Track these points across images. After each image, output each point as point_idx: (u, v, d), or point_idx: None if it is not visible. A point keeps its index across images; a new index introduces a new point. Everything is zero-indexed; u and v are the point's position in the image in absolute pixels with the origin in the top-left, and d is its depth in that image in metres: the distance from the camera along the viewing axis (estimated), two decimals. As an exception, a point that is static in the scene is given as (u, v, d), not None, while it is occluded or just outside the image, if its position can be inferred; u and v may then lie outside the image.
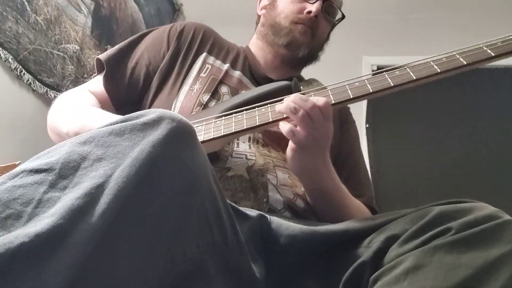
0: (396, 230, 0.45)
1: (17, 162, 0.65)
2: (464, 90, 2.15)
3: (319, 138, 0.59)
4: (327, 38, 0.89)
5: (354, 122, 0.91)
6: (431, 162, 2.16)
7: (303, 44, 0.81)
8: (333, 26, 0.88)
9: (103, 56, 0.79)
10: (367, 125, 2.00)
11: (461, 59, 0.56)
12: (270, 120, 0.61)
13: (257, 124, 0.61)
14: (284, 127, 0.59)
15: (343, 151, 0.82)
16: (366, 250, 0.47)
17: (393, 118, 2.23)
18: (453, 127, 2.21)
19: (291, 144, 0.61)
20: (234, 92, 0.77)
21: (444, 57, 0.58)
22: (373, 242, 0.47)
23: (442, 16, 2.15)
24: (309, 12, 0.79)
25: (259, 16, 0.89)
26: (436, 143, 2.19)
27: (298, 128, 0.58)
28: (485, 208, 0.43)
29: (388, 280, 0.41)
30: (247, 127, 0.62)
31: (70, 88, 0.86)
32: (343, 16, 0.86)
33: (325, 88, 0.64)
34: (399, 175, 2.06)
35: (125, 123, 0.38)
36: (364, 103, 2.08)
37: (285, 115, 0.60)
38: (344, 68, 1.74)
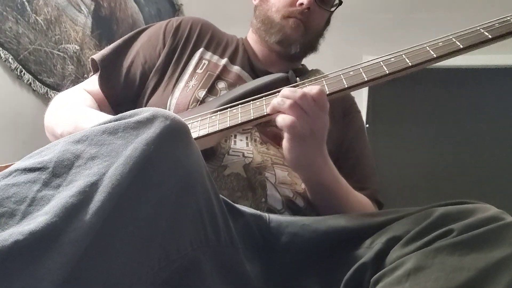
0: (398, 231, 0.45)
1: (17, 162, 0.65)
2: (464, 90, 2.15)
3: (315, 129, 0.57)
4: (327, 24, 0.86)
5: (359, 112, 0.88)
6: (431, 162, 2.15)
7: (295, 40, 0.79)
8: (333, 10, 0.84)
9: (97, 56, 0.79)
10: (367, 125, 1.99)
11: (458, 43, 0.54)
12: (265, 113, 0.59)
13: (252, 118, 0.60)
14: (278, 118, 0.57)
15: (346, 143, 0.80)
16: (368, 251, 0.46)
17: (393, 118, 2.23)
18: (453, 127, 2.20)
19: (286, 136, 0.59)
20: (232, 87, 0.75)
21: (440, 42, 0.55)
22: (375, 243, 0.46)
23: (442, 16, 2.15)
24: (301, 4, 0.76)
25: (255, 6, 0.87)
26: (436, 143, 2.19)
27: (291, 118, 0.56)
28: (488, 210, 0.43)
29: (390, 282, 0.41)
30: (242, 121, 0.60)
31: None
32: (341, 2, 0.83)
33: (319, 78, 0.62)
34: (399, 175, 2.06)
35: (118, 121, 0.37)
36: (364, 104, 2.07)
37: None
38: (344, 67, 1.74)
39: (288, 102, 0.55)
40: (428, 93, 2.11)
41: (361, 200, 0.71)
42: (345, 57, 2.07)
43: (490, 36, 0.53)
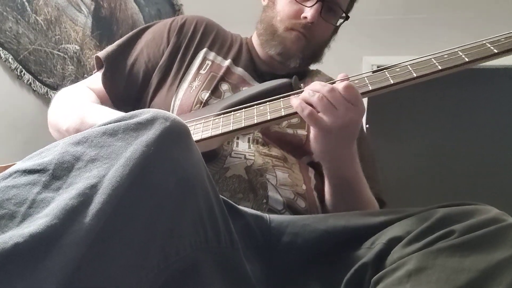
0: (399, 232, 0.45)
1: (17, 162, 0.64)
2: (464, 90, 2.15)
3: (345, 123, 0.56)
4: (334, 33, 0.85)
5: None
6: (431, 162, 2.15)
7: (295, 53, 0.78)
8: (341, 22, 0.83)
9: (102, 53, 0.79)
10: (367, 126, 1.99)
11: (463, 56, 0.55)
12: (269, 118, 0.60)
13: (255, 122, 0.61)
14: (304, 112, 0.56)
15: None
16: (369, 251, 0.46)
17: (393, 118, 2.23)
18: (453, 127, 2.21)
19: (312, 129, 0.59)
20: (235, 89, 0.75)
21: (445, 54, 0.56)
22: (376, 244, 0.46)
23: (442, 17, 2.15)
24: (305, 17, 0.75)
25: (264, 7, 0.85)
26: (436, 143, 2.19)
27: (319, 113, 0.56)
28: (489, 211, 0.43)
29: (391, 282, 0.41)
30: (245, 125, 0.61)
31: (70, 88, 0.86)
32: (347, 17, 0.81)
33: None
34: (399, 175, 2.06)
35: (118, 123, 0.37)
36: (364, 104, 2.07)
37: (283, 114, 0.60)
38: (344, 69, 1.74)
39: (317, 95, 0.55)
40: (428, 93, 2.11)
41: (373, 201, 0.71)
42: (346, 58, 2.07)
43: (496, 51, 0.54)
